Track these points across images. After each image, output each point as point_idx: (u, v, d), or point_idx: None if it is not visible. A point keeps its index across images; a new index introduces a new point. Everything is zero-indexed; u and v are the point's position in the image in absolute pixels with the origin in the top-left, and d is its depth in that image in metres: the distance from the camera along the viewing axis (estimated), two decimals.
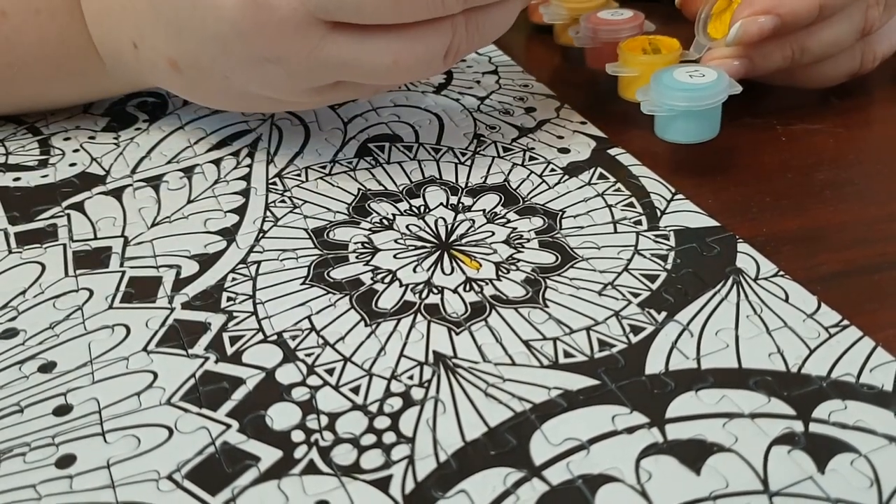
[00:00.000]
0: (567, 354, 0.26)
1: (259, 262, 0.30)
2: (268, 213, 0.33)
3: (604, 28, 0.39)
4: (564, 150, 0.36)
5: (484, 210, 0.33)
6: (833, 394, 0.24)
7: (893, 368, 0.25)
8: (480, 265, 0.30)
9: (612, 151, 0.36)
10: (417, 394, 0.25)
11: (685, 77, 0.33)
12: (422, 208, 0.33)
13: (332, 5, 0.29)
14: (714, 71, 0.34)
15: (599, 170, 0.35)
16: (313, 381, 0.25)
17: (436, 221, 0.32)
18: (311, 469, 0.23)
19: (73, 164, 0.37)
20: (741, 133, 0.37)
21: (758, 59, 0.36)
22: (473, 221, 0.32)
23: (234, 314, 0.28)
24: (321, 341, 0.27)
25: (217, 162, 0.36)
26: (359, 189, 0.34)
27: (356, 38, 0.30)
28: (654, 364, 0.25)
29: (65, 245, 0.32)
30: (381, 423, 0.24)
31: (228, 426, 0.24)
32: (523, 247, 0.31)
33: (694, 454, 0.23)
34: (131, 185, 0.35)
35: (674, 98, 0.33)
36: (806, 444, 0.23)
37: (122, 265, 0.31)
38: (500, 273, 0.29)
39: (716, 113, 0.34)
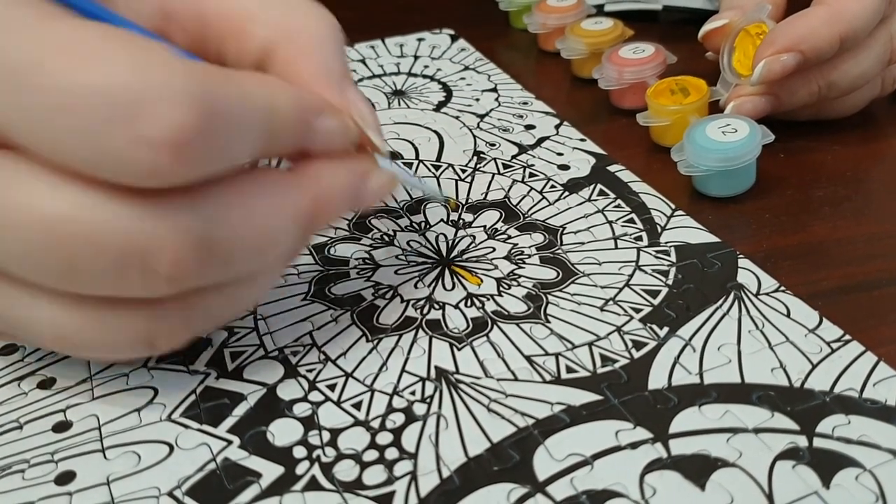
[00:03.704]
0: (569, 370, 0.26)
1: None
2: None
3: (628, 69, 0.39)
4: (564, 167, 0.37)
5: (485, 226, 0.33)
6: (836, 409, 0.24)
7: None
8: (482, 281, 0.30)
9: (612, 168, 0.36)
10: (420, 409, 0.25)
11: (718, 134, 0.33)
12: (422, 224, 0.33)
13: None
14: (746, 124, 0.33)
15: (599, 186, 0.35)
16: (315, 396, 0.25)
17: (437, 237, 0.32)
18: (314, 485, 0.22)
19: None
20: None
21: (784, 95, 0.36)
22: (474, 237, 0.32)
23: (235, 330, 0.28)
24: (323, 357, 0.27)
25: None
26: None
27: (11, 289, 0.22)
28: (656, 379, 0.25)
29: None
30: (384, 438, 0.24)
31: (229, 442, 0.24)
32: (524, 262, 0.31)
33: (698, 469, 0.22)
34: None
35: (709, 160, 0.33)
36: (810, 459, 0.23)
37: None
38: (501, 289, 0.29)
39: (752, 166, 0.34)
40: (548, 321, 0.28)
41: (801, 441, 0.23)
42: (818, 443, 0.23)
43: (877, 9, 0.34)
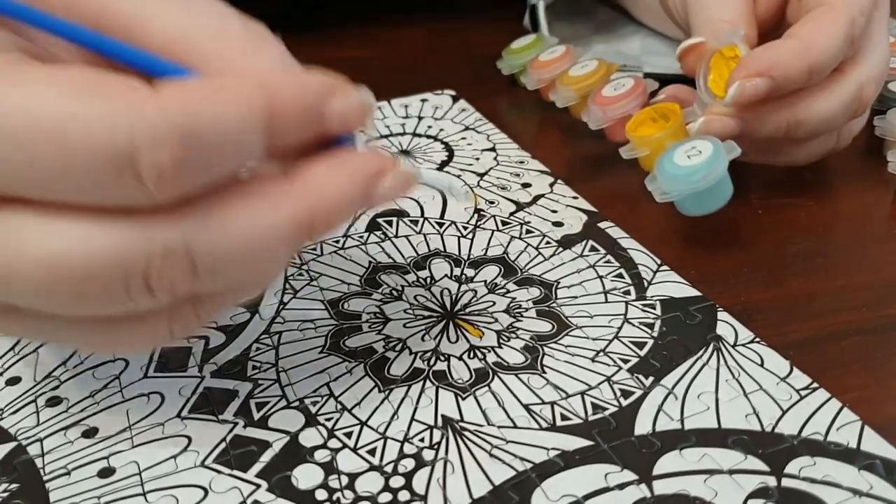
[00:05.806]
0: (564, 417, 0.29)
1: (280, 333, 0.33)
2: (287, 286, 0.36)
3: (611, 107, 0.42)
4: (558, 224, 0.39)
5: (485, 281, 0.36)
6: (803, 451, 0.27)
7: (857, 428, 0.28)
8: (483, 333, 0.33)
9: (602, 224, 0.39)
10: (428, 455, 0.27)
11: (684, 159, 0.35)
12: (428, 279, 0.36)
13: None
14: (710, 144, 0.35)
15: (591, 242, 0.38)
16: (333, 443, 0.28)
17: (441, 292, 0.35)
18: None
19: None
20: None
21: (753, 122, 0.38)
22: (476, 292, 0.35)
23: (260, 381, 0.31)
24: (339, 406, 0.29)
25: None
26: (370, 262, 0.37)
27: (34, 322, 0.24)
28: (642, 425, 0.28)
29: None
30: (396, 482, 0.26)
31: (258, 486, 0.26)
32: (522, 316, 0.34)
33: None
34: None
35: (678, 185, 0.35)
36: (779, 498, 0.25)
37: None
38: (501, 341, 0.32)
39: (722, 182, 0.35)
40: (544, 372, 0.31)
41: (771, 481, 0.26)
42: (786, 483, 0.26)
43: (842, 45, 0.37)
